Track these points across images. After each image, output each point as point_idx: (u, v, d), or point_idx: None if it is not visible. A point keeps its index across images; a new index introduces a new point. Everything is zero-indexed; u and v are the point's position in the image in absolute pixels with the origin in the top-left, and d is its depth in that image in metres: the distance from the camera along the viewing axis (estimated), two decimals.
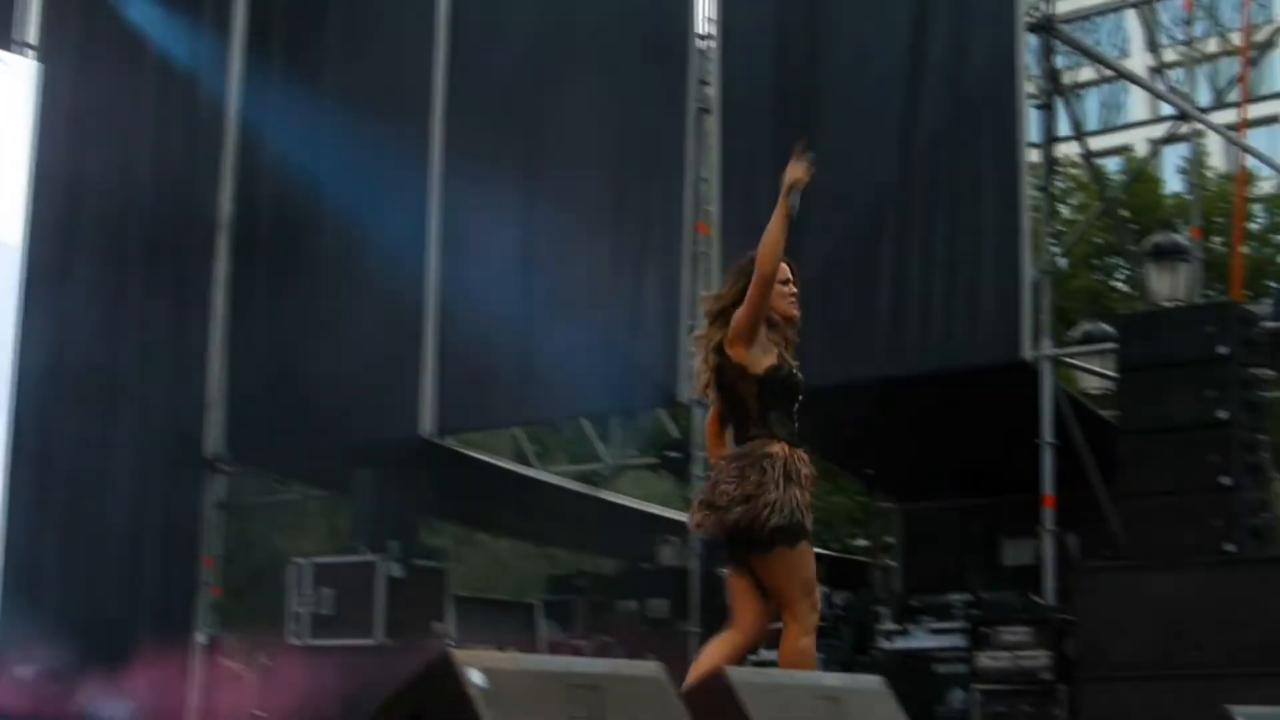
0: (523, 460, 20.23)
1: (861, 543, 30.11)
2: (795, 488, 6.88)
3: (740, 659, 6.95)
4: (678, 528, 16.58)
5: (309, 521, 23.61)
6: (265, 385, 16.45)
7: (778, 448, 6.94)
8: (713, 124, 14.43)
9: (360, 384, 15.87)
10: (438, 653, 4.21)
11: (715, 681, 4.75)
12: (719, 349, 7.13)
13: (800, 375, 7.21)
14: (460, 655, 4.14)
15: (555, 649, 14.79)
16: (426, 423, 15.42)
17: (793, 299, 7.26)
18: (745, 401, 7.06)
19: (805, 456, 7.07)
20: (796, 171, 7.10)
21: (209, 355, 16.63)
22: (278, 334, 16.47)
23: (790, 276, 7.31)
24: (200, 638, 15.81)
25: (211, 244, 16.82)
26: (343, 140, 16.41)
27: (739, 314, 7.04)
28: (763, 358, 7.10)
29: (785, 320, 7.27)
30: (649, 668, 4.62)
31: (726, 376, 7.10)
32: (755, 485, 6.82)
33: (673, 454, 17.28)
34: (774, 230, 7.03)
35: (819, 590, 7.06)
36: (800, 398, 7.21)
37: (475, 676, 4.09)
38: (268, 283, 16.73)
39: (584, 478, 20.73)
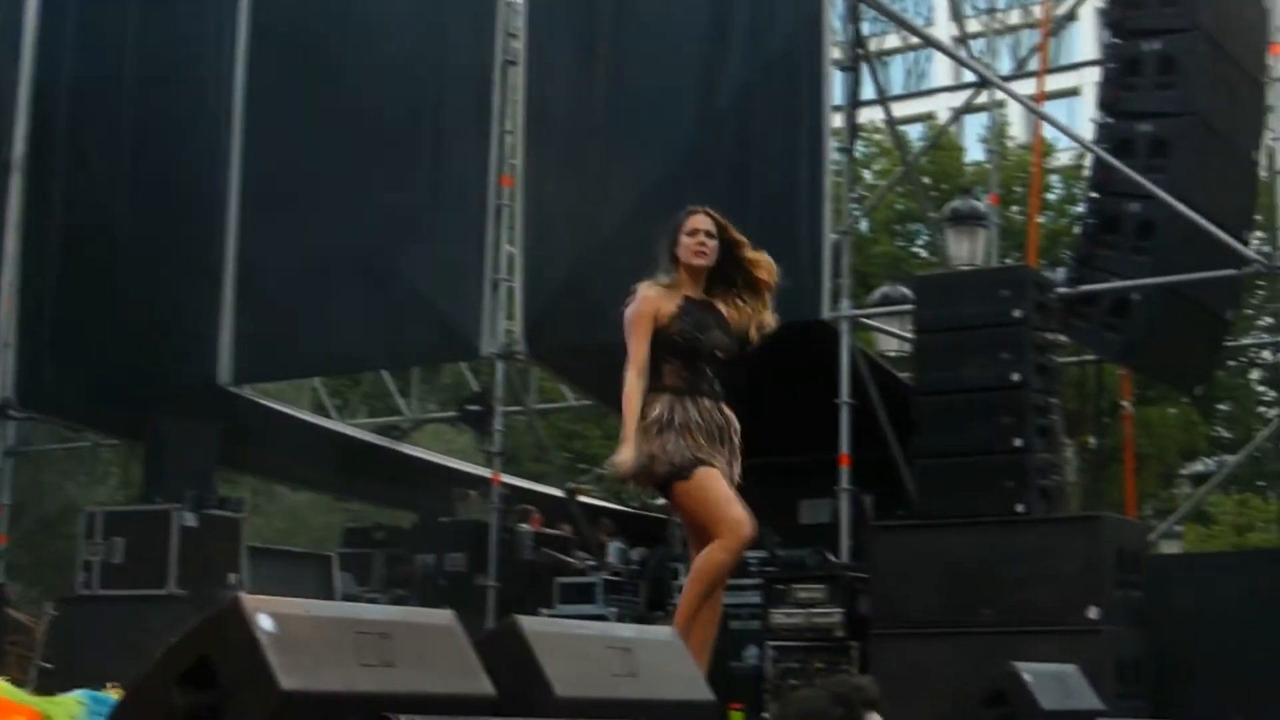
0: (323, 413, 20.07)
1: (660, 501, 30.32)
2: (674, 434, 7.07)
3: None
4: (477, 482, 16.55)
5: (102, 470, 23.28)
6: (58, 330, 16.13)
7: (659, 401, 7.13)
8: (519, 77, 14.37)
9: (157, 331, 15.63)
10: (226, 597, 4.14)
11: (507, 630, 4.72)
12: None
13: (698, 332, 7.29)
14: (249, 600, 4.08)
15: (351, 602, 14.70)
16: (224, 372, 15.22)
17: (699, 248, 7.30)
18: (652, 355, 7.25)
19: (704, 403, 7.20)
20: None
21: None
22: (73, 278, 16.14)
23: (701, 228, 7.35)
24: None
25: (5, 183, 16.43)
26: (143, 85, 16.13)
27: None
28: (660, 318, 7.27)
29: (692, 268, 7.36)
30: (441, 615, 4.58)
31: None
32: (647, 446, 7.04)
33: (473, 408, 17.23)
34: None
35: (739, 506, 7.10)
36: (716, 352, 7.34)
37: (264, 621, 4.02)
38: (62, 226, 16.37)
39: (384, 431, 20.64)
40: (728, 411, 7.33)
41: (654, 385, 7.20)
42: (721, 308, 7.42)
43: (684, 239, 7.33)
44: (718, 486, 7.08)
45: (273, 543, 19.77)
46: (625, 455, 6.97)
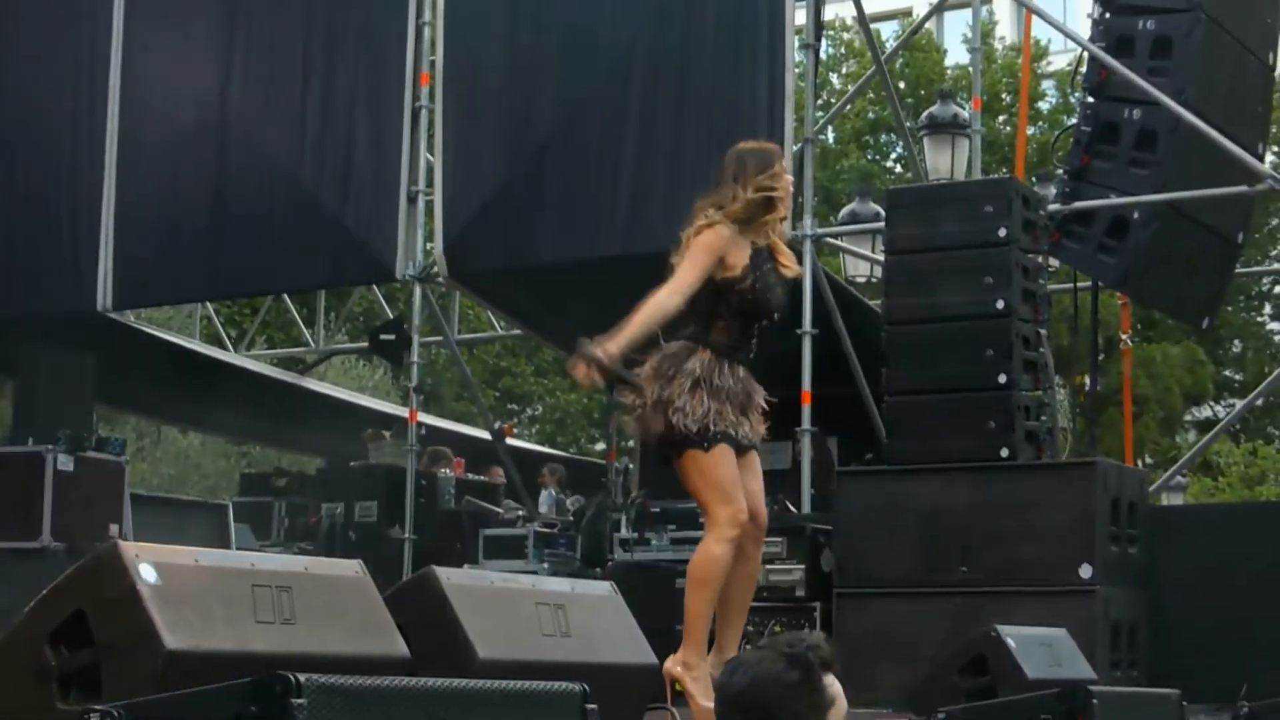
0: (217, 344, 19.99)
1: (599, 446, 30.41)
2: (708, 396, 7.16)
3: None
4: (392, 421, 16.51)
5: None
6: None
7: (699, 355, 7.22)
8: None
9: (26, 249, 15.52)
10: (105, 545, 4.13)
11: (423, 583, 4.73)
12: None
13: (766, 290, 7.38)
14: (129, 548, 4.06)
15: None
16: (103, 296, 15.12)
17: (783, 195, 7.44)
18: (697, 299, 7.26)
19: (740, 371, 7.31)
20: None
21: None
22: None
23: (787, 171, 7.53)
24: None
25: None
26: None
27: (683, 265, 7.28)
28: (729, 265, 7.31)
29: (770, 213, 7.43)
30: (347, 566, 4.58)
31: None
32: (666, 391, 7.15)
33: (386, 337, 17.21)
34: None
35: (741, 496, 7.23)
36: (775, 315, 7.50)
37: (146, 572, 4.01)
38: None
39: (286, 364, 20.57)
40: (755, 382, 7.40)
41: (697, 335, 7.27)
42: None
43: (764, 180, 7.37)
44: (730, 470, 7.22)
45: (160, 490, 19.74)
46: (609, 347, 6.99)
